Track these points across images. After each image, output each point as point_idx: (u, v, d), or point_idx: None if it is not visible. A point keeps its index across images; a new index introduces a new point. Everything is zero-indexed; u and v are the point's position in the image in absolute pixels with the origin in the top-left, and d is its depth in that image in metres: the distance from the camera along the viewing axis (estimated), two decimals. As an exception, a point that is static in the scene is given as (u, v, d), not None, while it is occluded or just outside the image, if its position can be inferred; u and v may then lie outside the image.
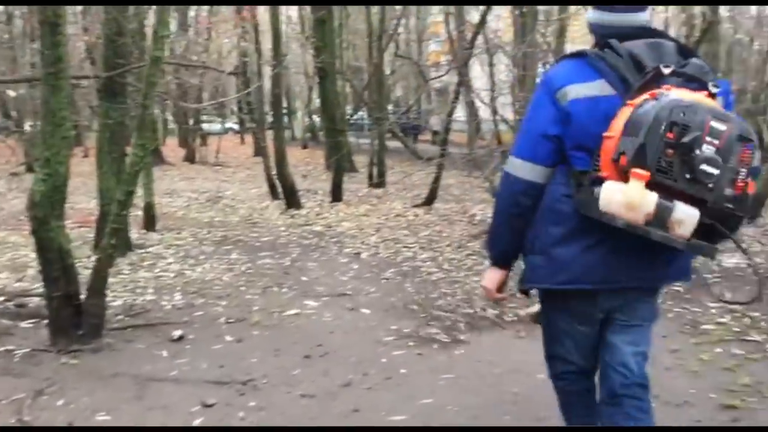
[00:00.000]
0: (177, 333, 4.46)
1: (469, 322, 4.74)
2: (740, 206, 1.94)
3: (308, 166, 20.75)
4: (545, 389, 3.52)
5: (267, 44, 14.00)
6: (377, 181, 14.51)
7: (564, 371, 2.43)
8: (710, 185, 1.88)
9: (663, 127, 1.87)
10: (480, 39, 10.20)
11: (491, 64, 11.56)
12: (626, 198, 1.92)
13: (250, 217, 10.21)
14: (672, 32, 24.97)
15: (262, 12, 16.03)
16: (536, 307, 2.41)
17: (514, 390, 3.53)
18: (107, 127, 6.48)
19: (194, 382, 3.71)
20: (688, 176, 1.89)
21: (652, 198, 1.91)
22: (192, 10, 21.16)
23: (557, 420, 3.14)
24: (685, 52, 2.16)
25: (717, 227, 1.98)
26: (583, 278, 2.14)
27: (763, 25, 18.16)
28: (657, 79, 2.01)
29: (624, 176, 1.94)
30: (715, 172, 1.87)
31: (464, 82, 9.66)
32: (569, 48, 16.02)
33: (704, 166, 1.87)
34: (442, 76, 16.71)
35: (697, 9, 12.82)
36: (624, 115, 1.97)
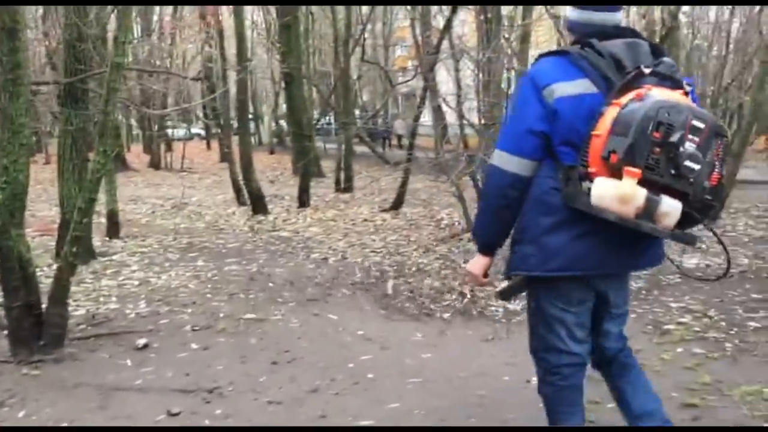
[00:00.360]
0: (141, 341, 4.40)
1: (437, 326, 4.77)
2: (716, 196, 2.12)
3: (275, 172, 20.68)
4: (511, 391, 3.57)
5: (232, 49, 13.90)
6: (345, 185, 14.51)
7: (558, 364, 2.45)
8: (692, 179, 2.04)
9: (650, 127, 2.00)
10: (446, 44, 10.27)
11: (457, 69, 11.64)
12: (620, 193, 2.05)
13: (217, 224, 10.13)
14: (633, 37, 25.32)
15: (227, 17, 15.94)
16: (504, 284, 2.56)
17: (480, 392, 3.56)
18: (68, 134, 6.38)
19: (159, 390, 3.66)
20: (673, 172, 2.04)
21: (642, 193, 2.05)
22: (155, 15, 20.94)
23: (523, 422, 3.19)
24: (656, 51, 2.29)
25: (693, 215, 2.14)
26: (574, 265, 2.26)
27: (721, 30, 18.58)
28: (638, 79, 2.14)
29: (614, 173, 2.07)
30: (697, 167, 2.03)
31: (430, 87, 9.71)
32: (533, 53, 16.21)
33: (687, 162, 2.02)
34: (408, 81, 16.77)
35: (657, 14, 13.09)
36: (611, 114, 2.08)
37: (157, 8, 22.17)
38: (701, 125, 2.03)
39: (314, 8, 19.88)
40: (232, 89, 16.58)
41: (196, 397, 3.56)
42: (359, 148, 21.89)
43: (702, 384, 3.54)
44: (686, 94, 2.18)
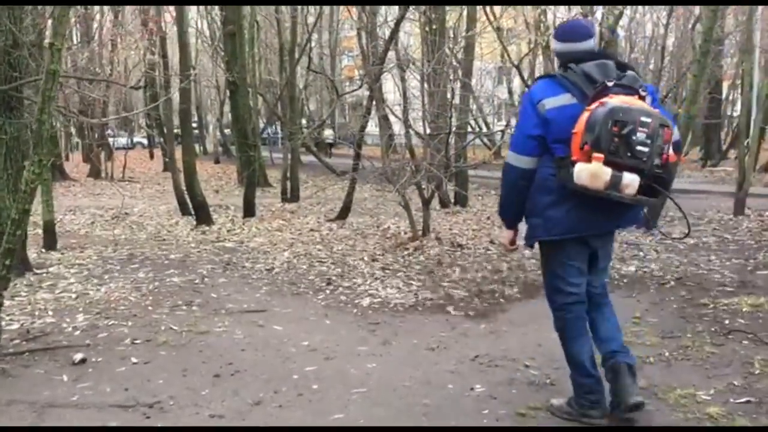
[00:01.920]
0: (78, 356, 4.27)
1: (381, 335, 4.78)
2: (666, 171, 2.97)
3: (220, 181, 20.42)
4: (454, 399, 3.60)
5: (176, 57, 13.70)
6: (291, 195, 14.43)
7: (563, 303, 3.26)
8: (644, 159, 2.88)
9: (609, 124, 2.85)
10: (392, 54, 10.34)
11: (403, 79, 11.75)
12: (591, 172, 2.89)
13: (159, 234, 9.93)
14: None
15: (170, 24, 15.69)
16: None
17: (424, 401, 3.58)
18: (2, 143, 6.16)
19: (97, 406, 3.56)
20: (629, 155, 2.88)
21: (608, 171, 2.88)
22: (96, 21, 20.48)
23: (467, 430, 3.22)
24: (622, 66, 3.14)
25: (656, 188, 2.97)
26: (572, 230, 3.12)
27: (657, 45, 19.23)
28: (604, 90, 2.98)
29: (588, 159, 2.90)
30: (647, 150, 2.87)
31: (376, 97, 9.75)
32: (477, 64, 16.47)
33: (639, 147, 2.87)
34: (354, 90, 16.84)
35: (596, 29, 13.46)
36: (584, 117, 2.94)
37: (97, 15, 21.70)
38: (648, 120, 2.87)
39: (259, 16, 19.78)
40: (176, 97, 16.36)
41: (136, 413, 3.48)
42: (306, 158, 21.85)
43: (638, 388, 3.62)
44: (642, 98, 3.00)
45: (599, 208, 3.03)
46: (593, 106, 2.93)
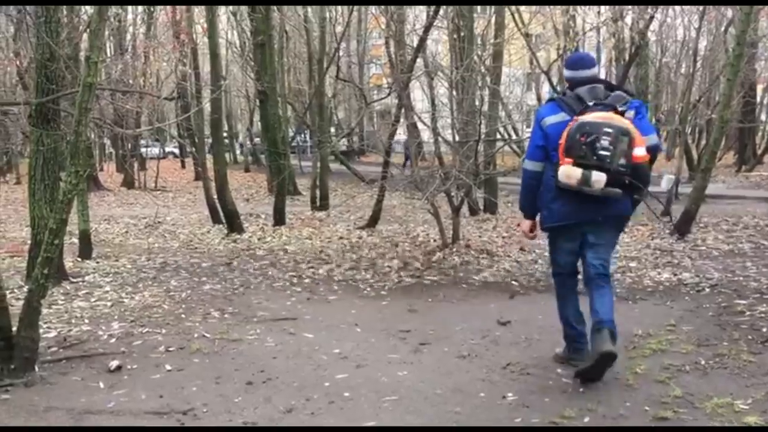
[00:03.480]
0: (114, 363, 4.34)
1: (412, 343, 4.77)
2: (633, 170, 3.72)
3: (251, 190, 20.61)
4: (487, 408, 3.58)
5: (206, 68, 13.88)
6: (320, 203, 14.50)
7: (556, 272, 4.20)
8: (608, 160, 3.68)
9: (578, 135, 3.71)
10: (420, 62, 10.36)
11: (431, 87, 11.76)
12: (564, 172, 3.76)
13: (191, 243, 10.05)
14: (603, 55, 25.83)
15: (201, 36, 15.92)
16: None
17: (456, 409, 3.56)
18: (40, 154, 6.31)
19: (133, 413, 3.62)
20: (594, 157, 3.68)
21: (578, 170, 3.72)
22: (129, 34, 20.86)
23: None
24: (611, 88, 3.99)
25: (634, 183, 3.76)
26: (564, 218, 3.96)
27: (689, 49, 18.96)
28: (585, 109, 3.82)
29: (566, 162, 3.75)
30: (608, 153, 3.67)
31: (405, 105, 9.78)
32: (506, 71, 16.41)
33: (601, 152, 3.67)
34: (383, 99, 16.86)
35: (627, 34, 13.34)
36: (566, 130, 3.78)
37: (130, 27, 22.11)
38: (610, 130, 3.68)
39: (288, 26, 19.96)
40: (207, 107, 16.59)
41: (170, 419, 3.52)
42: (335, 166, 21.95)
43: (674, 397, 3.58)
44: (620, 113, 3.77)
45: (585, 201, 3.82)
46: (575, 121, 3.78)
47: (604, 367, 3.76)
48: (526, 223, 4.24)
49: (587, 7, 13.88)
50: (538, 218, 4.17)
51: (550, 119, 3.94)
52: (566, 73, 4.12)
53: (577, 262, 4.09)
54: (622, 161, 3.66)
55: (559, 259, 4.14)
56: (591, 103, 3.79)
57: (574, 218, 3.93)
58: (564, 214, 3.94)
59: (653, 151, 3.91)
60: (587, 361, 3.81)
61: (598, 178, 3.69)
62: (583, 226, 3.95)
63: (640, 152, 3.73)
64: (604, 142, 3.62)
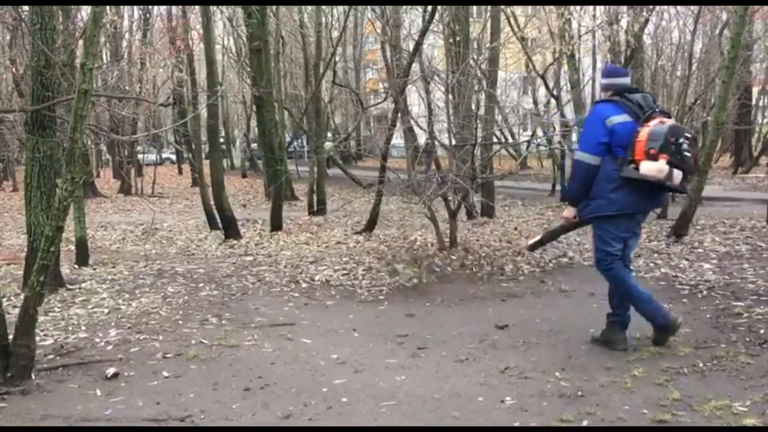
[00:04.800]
0: (111, 370, 4.33)
1: (409, 347, 4.77)
2: (694, 168, 5.00)
3: (248, 195, 20.59)
4: (485, 412, 3.58)
5: (203, 74, 13.89)
6: (317, 208, 14.49)
7: (611, 261, 4.48)
8: (686, 160, 4.25)
9: (669, 135, 4.20)
10: (417, 66, 10.37)
11: (428, 91, 11.78)
12: (658, 167, 4.19)
13: (188, 249, 10.03)
14: (599, 58, 25.84)
15: (197, 42, 15.93)
16: (535, 239, 5.15)
17: (454, 414, 3.56)
18: (36, 161, 6.30)
19: (130, 420, 3.60)
20: (679, 157, 4.22)
21: (667, 167, 4.20)
22: (125, 40, 20.87)
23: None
24: (654, 99, 4.55)
25: (686, 176, 4.39)
26: (625, 208, 4.39)
27: (684, 51, 19.00)
28: (653, 114, 4.34)
29: (651, 158, 4.20)
30: (689, 155, 4.24)
31: (401, 109, 9.78)
32: (502, 75, 16.43)
33: (685, 153, 4.23)
34: (379, 103, 16.89)
35: (622, 37, 13.37)
36: (645, 131, 4.27)
37: (126, 33, 22.10)
38: (689, 135, 4.31)
39: (284, 32, 19.99)
40: (204, 113, 16.60)
41: (167, 427, 3.51)
42: (332, 171, 21.95)
43: (672, 400, 3.58)
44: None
45: (644, 193, 4.35)
46: (652, 123, 4.27)
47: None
48: (571, 211, 4.69)
49: (582, 10, 13.90)
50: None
51: (616, 119, 4.36)
52: (606, 81, 4.59)
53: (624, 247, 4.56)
54: (692, 161, 4.32)
55: (614, 248, 4.46)
56: (657, 110, 4.38)
57: (635, 208, 4.41)
58: (626, 204, 4.36)
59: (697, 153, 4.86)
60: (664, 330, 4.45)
61: (678, 174, 4.24)
62: (638, 216, 4.53)
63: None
64: (686, 143, 4.22)
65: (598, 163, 4.40)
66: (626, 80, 4.58)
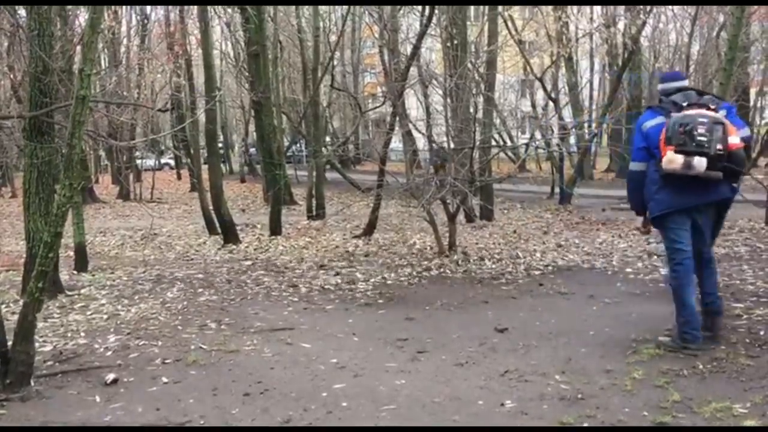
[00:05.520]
0: (110, 376, 4.32)
1: (409, 351, 4.76)
2: (731, 157, 4.28)
3: (247, 200, 20.58)
4: (485, 416, 3.57)
5: (201, 79, 13.90)
6: (316, 213, 14.48)
7: (681, 258, 4.49)
8: (706, 146, 4.20)
9: (676, 126, 4.29)
10: (414, 70, 10.38)
11: (426, 95, 11.80)
12: (667, 159, 4.31)
13: (187, 254, 10.03)
14: (597, 62, 25.85)
15: (195, 47, 15.94)
16: (640, 220, 4.92)
17: (454, 418, 3.55)
18: (34, 167, 6.30)
19: (129, 426, 3.59)
20: (694, 144, 4.22)
21: (679, 157, 4.25)
22: (123, 46, 20.88)
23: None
24: (701, 93, 4.64)
25: (730, 167, 4.30)
26: (671, 205, 4.47)
27: (681, 54, 19.04)
28: (679, 109, 4.39)
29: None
30: (705, 139, 4.20)
31: (399, 113, 9.79)
32: (500, 78, 16.45)
33: (700, 138, 4.20)
34: (377, 107, 16.89)
35: (619, 39, 13.40)
36: (665, 127, 4.40)
37: (124, 39, 22.12)
38: (705, 120, 4.25)
39: (282, 36, 20.00)
40: (202, 118, 16.60)
41: (168, 427, 3.50)
42: (330, 175, 21.94)
43: (672, 402, 3.58)
44: (713, 110, 4.36)
45: (688, 189, 4.38)
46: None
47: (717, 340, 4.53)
48: (639, 219, 4.89)
49: (580, 13, 13.93)
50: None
51: (649, 123, 4.58)
52: (660, 86, 4.86)
53: (692, 242, 4.54)
54: (719, 146, 4.20)
55: (682, 244, 4.50)
56: (684, 104, 4.39)
57: (681, 204, 4.45)
58: (670, 201, 4.45)
59: (747, 141, 4.60)
60: (702, 343, 4.43)
61: (699, 161, 4.21)
62: (690, 212, 4.49)
63: (734, 140, 4.28)
64: (701, 129, 4.20)
65: (641, 169, 4.61)
66: (675, 83, 4.69)
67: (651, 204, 4.59)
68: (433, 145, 9.20)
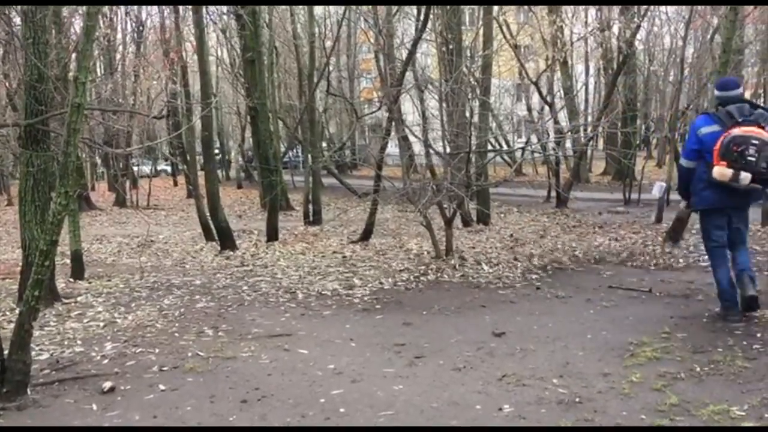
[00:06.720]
0: (107, 385, 4.31)
1: (407, 356, 4.76)
2: None
3: (243, 206, 20.58)
4: (483, 420, 3.56)
5: (197, 85, 13.90)
6: (313, 218, 14.49)
7: (714, 246, 5.38)
8: (753, 164, 4.95)
9: (731, 145, 4.99)
10: (410, 75, 10.40)
11: (422, 100, 11.81)
12: (720, 172, 5.06)
13: (184, 261, 10.01)
14: (592, 65, 25.89)
15: (191, 53, 15.94)
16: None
17: (452, 423, 3.55)
18: (30, 175, 6.28)
19: (127, 427, 3.59)
20: (743, 162, 4.96)
21: (729, 171, 5.01)
22: (118, 53, 20.88)
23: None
24: (754, 106, 5.22)
25: (761, 179, 5.00)
26: (713, 204, 5.27)
27: (676, 57, 19.08)
28: (735, 124, 5.06)
29: (721, 164, 5.06)
30: (753, 159, 4.95)
31: (395, 118, 9.80)
32: (495, 82, 16.48)
33: (749, 158, 4.95)
34: (373, 112, 16.92)
35: (614, 43, 13.45)
36: (721, 139, 5.06)
37: (119, 46, 22.12)
38: (756, 142, 4.96)
39: (278, 42, 20.03)
40: (198, 125, 16.59)
41: (167, 427, 3.49)
42: (327, 180, 21.96)
43: (670, 405, 3.58)
44: (762, 128, 5.02)
45: (728, 193, 5.14)
46: (732, 132, 5.02)
47: (750, 308, 5.18)
48: (683, 205, 5.95)
49: (575, 17, 13.97)
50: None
51: (705, 129, 5.21)
52: (716, 93, 5.44)
53: (725, 236, 5.32)
54: (764, 164, 4.96)
55: (713, 234, 5.35)
56: (740, 120, 5.04)
57: (720, 204, 5.25)
58: (712, 200, 5.26)
59: None
60: (736, 307, 5.22)
61: (745, 176, 4.99)
62: (727, 210, 5.28)
63: None
64: (752, 150, 4.94)
65: (692, 167, 5.37)
66: (731, 93, 5.28)
67: (695, 198, 5.40)
68: (430, 150, 9.21)
